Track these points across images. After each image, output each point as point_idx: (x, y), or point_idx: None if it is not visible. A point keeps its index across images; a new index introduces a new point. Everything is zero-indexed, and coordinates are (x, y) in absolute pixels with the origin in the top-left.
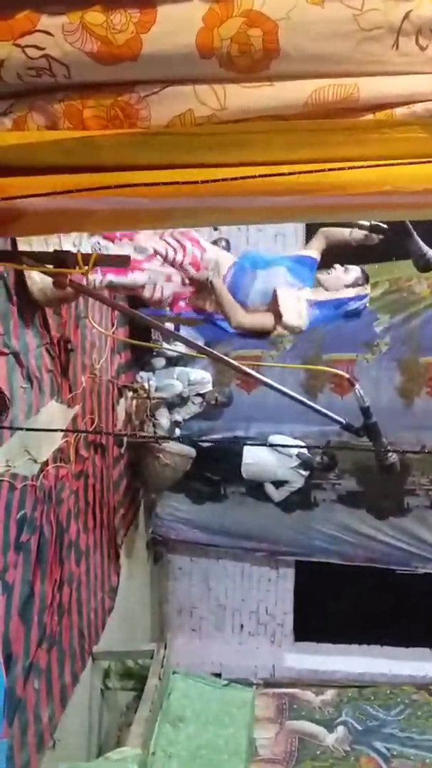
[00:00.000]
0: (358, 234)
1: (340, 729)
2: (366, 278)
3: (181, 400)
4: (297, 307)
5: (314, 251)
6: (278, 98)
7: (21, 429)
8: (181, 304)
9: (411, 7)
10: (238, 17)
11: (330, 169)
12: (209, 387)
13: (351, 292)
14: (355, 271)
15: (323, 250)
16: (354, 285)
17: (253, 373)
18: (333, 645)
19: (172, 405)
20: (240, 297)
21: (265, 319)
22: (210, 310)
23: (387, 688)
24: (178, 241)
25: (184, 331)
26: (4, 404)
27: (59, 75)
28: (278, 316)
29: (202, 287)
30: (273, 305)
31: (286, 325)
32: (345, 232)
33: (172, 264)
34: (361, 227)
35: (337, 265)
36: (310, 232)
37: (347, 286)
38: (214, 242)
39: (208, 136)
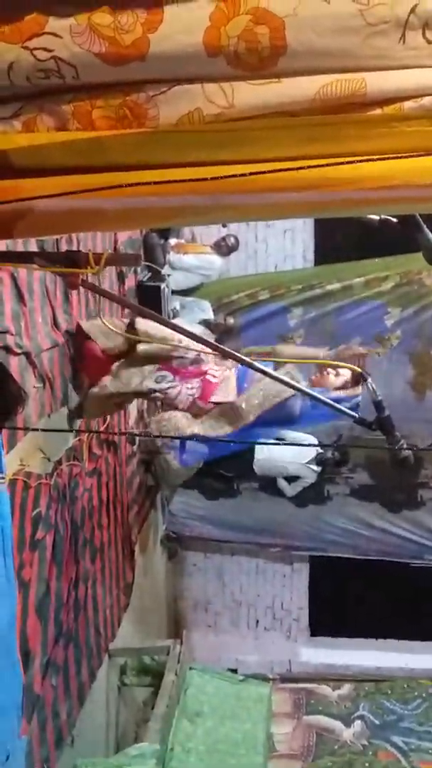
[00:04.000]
0: None
1: (358, 723)
2: (357, 381)
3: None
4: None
5: None
6: (286, 95)
7: (36, 429)
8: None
9: (417, 1)
10: (245, 15)
11: (339, 164)
12: None
13: (341, 393)
14: (344, 376)
15: None
16: (344, 387)
17: (265, 368)
18: (349, 639)
19: None
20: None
21: None
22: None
23: (404, 682)
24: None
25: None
26: (20, 397)
27: (68, 76)
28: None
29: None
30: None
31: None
32: None
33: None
34: (371, 221)
35: (329, 369)
36: (319, 227)
37: (337, 389)
38: (222, 240)
39: (217, 134)
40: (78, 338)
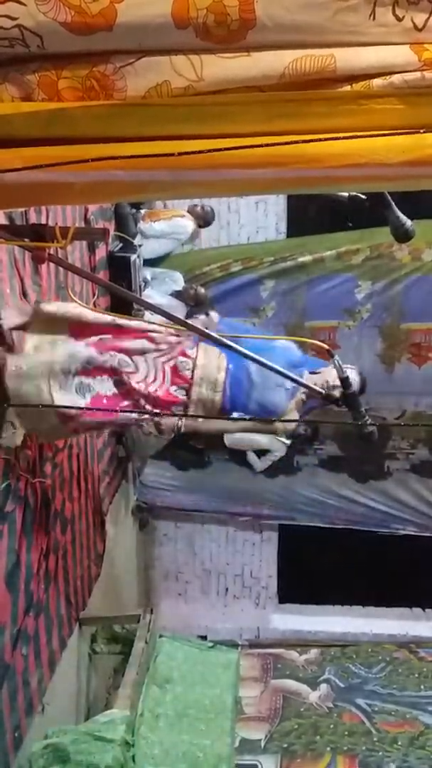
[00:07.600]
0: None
1: (323, 687)
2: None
3: None
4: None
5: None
6: (255, 69)
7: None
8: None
9: None
10: None
11: (307, 141)
12: None
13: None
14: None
15: None
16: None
17: (233, 345)
18: (316, 606)
19: None
20: (238, 410)
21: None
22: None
23: (368, 647)
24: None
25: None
26: None
27: (33, 45)
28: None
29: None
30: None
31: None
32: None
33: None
34: (340, 198)
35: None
36: (292, 199)
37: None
38: (200, 206)
39: (184, 108)
40: None
